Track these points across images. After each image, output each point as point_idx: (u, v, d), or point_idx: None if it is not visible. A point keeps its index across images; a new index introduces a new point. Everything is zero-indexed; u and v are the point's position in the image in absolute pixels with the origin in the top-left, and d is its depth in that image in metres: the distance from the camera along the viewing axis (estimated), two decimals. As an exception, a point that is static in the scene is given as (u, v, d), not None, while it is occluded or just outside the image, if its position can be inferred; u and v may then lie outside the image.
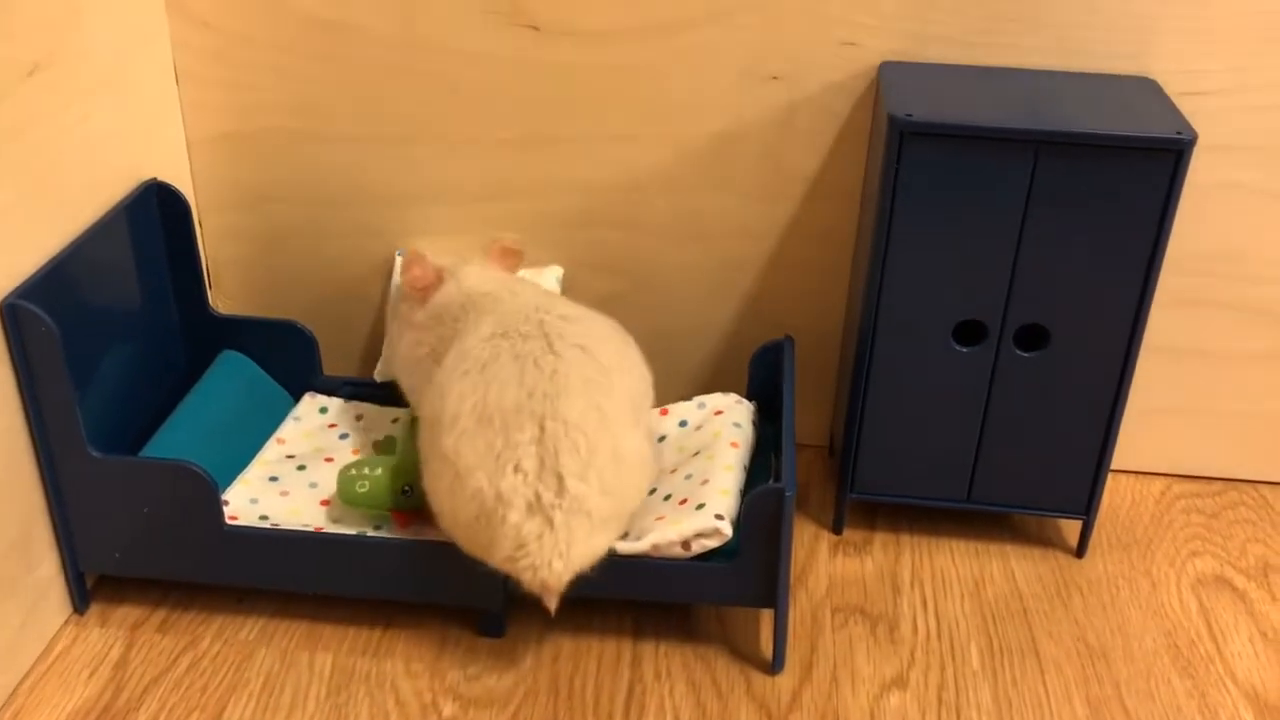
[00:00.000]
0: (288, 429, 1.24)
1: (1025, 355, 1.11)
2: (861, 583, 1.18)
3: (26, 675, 1.05)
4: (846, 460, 1.19)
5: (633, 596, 1.09)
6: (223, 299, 1.36)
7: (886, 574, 1.19)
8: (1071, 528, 1.24)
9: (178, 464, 1.04)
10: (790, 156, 1.22)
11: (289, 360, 1.29)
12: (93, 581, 1.14)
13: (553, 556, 0.97)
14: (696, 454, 1.14)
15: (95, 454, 1.03)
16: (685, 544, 1.03)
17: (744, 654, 1.09)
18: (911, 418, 1.16)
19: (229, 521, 1.07)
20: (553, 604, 1.00)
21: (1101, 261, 1.06)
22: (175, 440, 1.17)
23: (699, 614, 1.13)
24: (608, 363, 1.05)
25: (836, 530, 1.24)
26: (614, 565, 1.04)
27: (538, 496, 0.97)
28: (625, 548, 1.04)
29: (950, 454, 1.17)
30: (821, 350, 1.32)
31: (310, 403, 1.28)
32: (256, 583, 1.10)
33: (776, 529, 0.99)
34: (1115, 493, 1.31)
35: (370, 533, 1.11)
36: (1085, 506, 1.19)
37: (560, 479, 0.97)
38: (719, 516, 1.02)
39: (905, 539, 1.24)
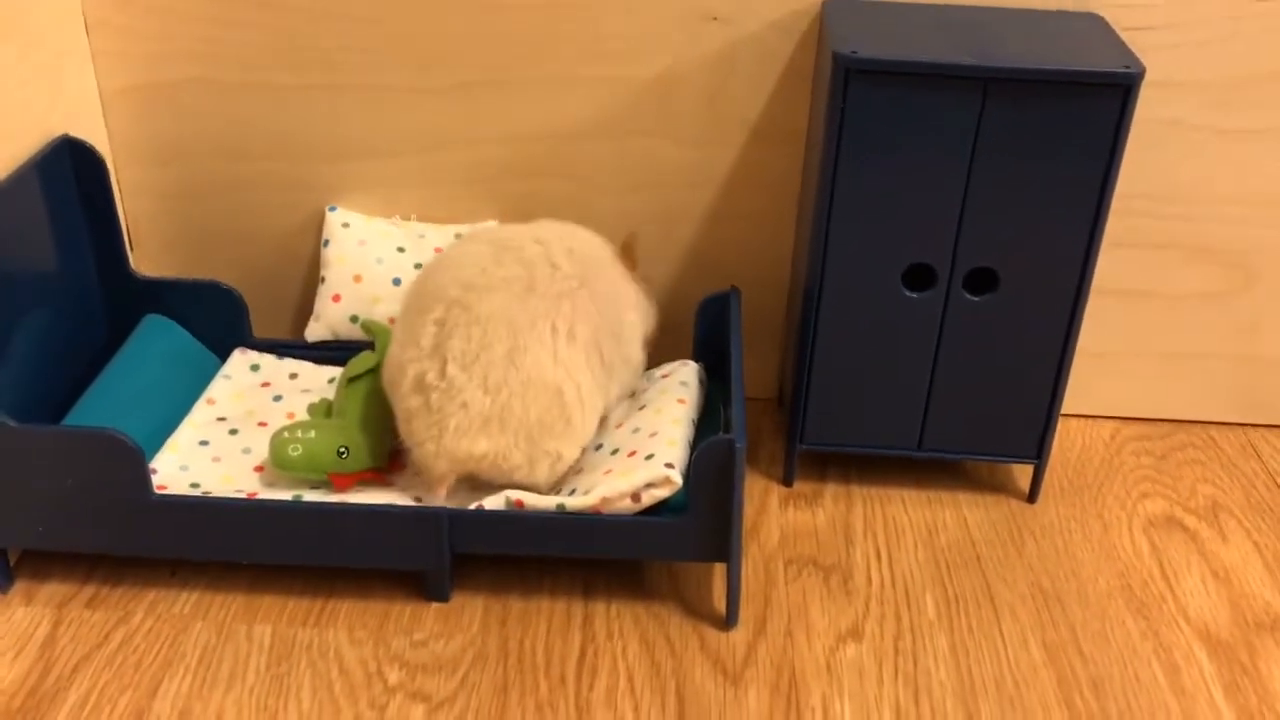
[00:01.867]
0: (218, 388, 1.19)
1: (975, 299, 1.09)
2: (814, 534, 1.16)
3: (-53, 658, 1.00)
4: (796, 411, 1.17)
5: (581, 554, 1.06)
6: (145, 260, 1.30)
7: (839, 525, 1.17)
8: (1023, 473, 1.23)
9: (100, 432, 0.99)
10: (732, 100, 1.19)
11: (217, 323, 1.24)
12: (16, 558, 1.09)
13: (426, 437, 1.02)
14: (642, 408, 1.11)
15: (13, 424, 0.97)
16: (635, 495, 1.00)
17: (697, 610, 1.06)
18: (861, 366, 1.13)
19: (157, 491, 1.03)
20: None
21: (1050, 200, 1.04)
22: (98, 408, 1.12)
23: (650, 571, 1.10)
24: (573, 286, 1.04)
25: (787, 483, 1.22)
26: (561, 522, 1.01)
27: (423, 374, 1.01)
28: (573, 503, 1.01)
29: (900, 402, 1.15)
30: (769, 301, 1.29)
31: (241, 359, 1.23)
32: (188, 554, 1.06)
33: (728, 481, 0.97)
34: (1065, 437, 1.31)
35: (308, 497, 1.06)
36: (1036, 451, 1.17)
37: (444, 362, 1.00)
38: (669, 465, 1.00)
39: (856, 490, 1.22)
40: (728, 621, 1.04)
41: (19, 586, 1.07)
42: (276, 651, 1.02)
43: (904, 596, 1.09)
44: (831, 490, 1.22)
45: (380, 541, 1.03)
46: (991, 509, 1.20)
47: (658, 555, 1.05)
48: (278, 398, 1.19)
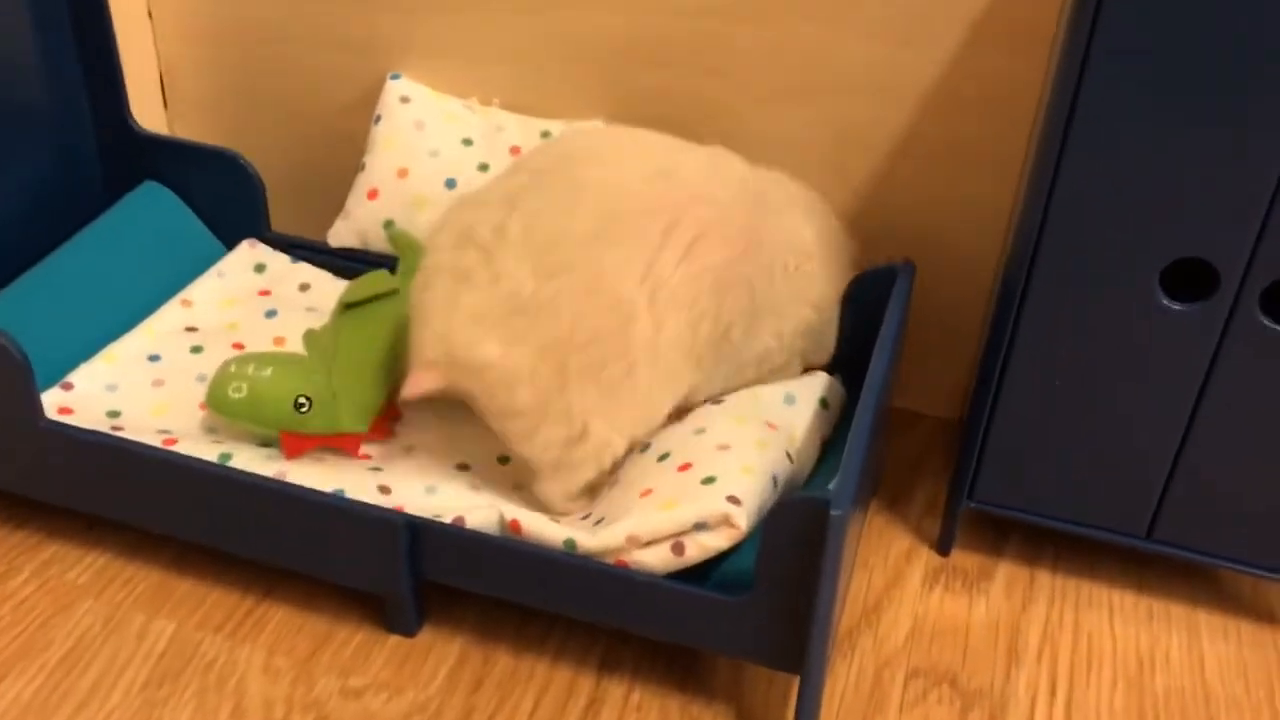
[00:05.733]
0: (203, 287, 0.91)
1: (1277, 327, 0.68)
2: (962, 637, 0.79)
3: None
4: (968, 451, 0.79)
5: (585, 619, 0.73)
6: (178, 119, 1.03)
7: (1003, 630, 0.79)
8: (1309, 600, 0.81)
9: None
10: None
11: (228, 204, 0.96)
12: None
13: (435, 313, 0.71)
14: (720, 403, 0.76)
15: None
16: (677, 544, 0.66)
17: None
18: (1076, 400, 0.74)
19: (54, 415, 0.76)
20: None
21: None
22: (46, 286, 0.87)
23: (700, 652, 0.76)
24: (730, 214, 0.74)
25: (942, 550, 0.85)
26: (564, 570, 0.69)
27: (473, 226, 0.72)
28: (587, 541, 0.68)
29: (1132, 464, 0.76)
30: (971, 280, 0.90)
31: (245, 255, 0.95)
32: (76, 504, 0.79)
33: (813, 560, 0.61)
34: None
35: (238, 458, 0.77)
36: (1339, 574, 0.76)
37: (509, 212, 0.71)
38: (732, 500, 0.65)
39: (1044, 578, 0.83)
40: (789, 762, 0.69)
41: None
42: (166, 664, 0.74)
43: (1080, 766, 0.71)
44: (1005, 574, 0.84)
45: (320, 544, 0.73)
46: (1247, 646, 0.79)
47: (698, 643, 0.70)
48: (271, 313, 0.90)
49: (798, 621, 0.64)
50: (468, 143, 0.92)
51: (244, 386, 0.76)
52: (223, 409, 0.77)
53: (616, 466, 0.74)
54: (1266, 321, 0.69)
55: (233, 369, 0.77)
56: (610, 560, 0.68)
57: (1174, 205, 0.67)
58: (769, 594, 0.65)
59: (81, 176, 0.94)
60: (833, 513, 0.60)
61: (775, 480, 0.71)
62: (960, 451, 0.80)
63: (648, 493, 0.69)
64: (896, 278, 0.80)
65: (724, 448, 0.71)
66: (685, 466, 0.70)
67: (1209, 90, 0.63)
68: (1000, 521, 0.86)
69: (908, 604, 0.81)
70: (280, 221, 0.98)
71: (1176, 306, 0.70)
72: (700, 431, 0.73)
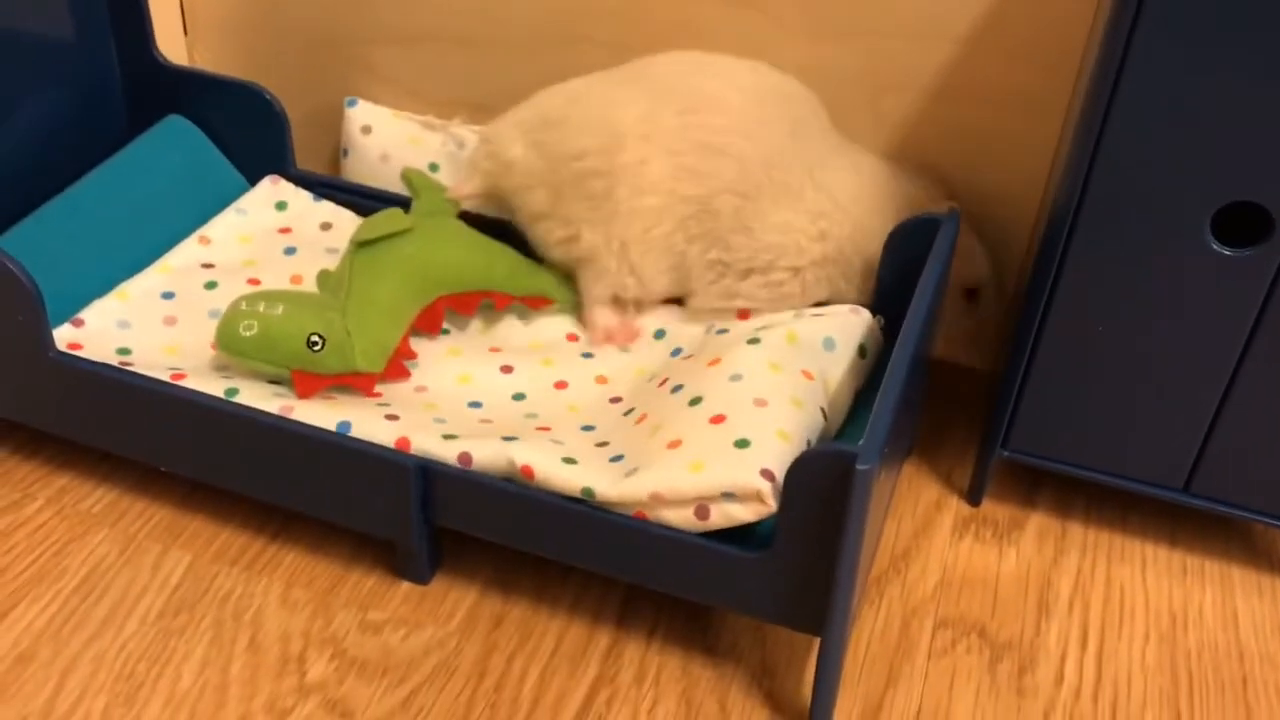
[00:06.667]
0: (222, 224, 0.89)
1: (1332, 277, 0.66)
2: (993, 588, 0.77)
3: None
4: (1004, 400, 0.77)
5: (599, 571, 0.71)
6: (197, 43, 1.01)
7: (1035, 581, 0.78)
8: (1348, 559, 0.80)
9: (-12, 255, 0.71)
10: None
11: (252, 139, 0.94)
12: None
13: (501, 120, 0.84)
14: (755, 342, 0.74)
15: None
16: (702, 508, 0.64)
17: (779, 676, 0.70)
18: (1119, 348, 0.72)
19: (65, 349, 0.74)
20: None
21: None
22: (60, 221, 0.85)
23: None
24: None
25: (973, 500, 0.83)
26: (578, 520, 0.67)
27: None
28: (608, 489, 0.66)
29: (1172, 415, 0.74)
30: (1007, 226, 0.88)
31: (266, 192, 0.92)
32: (84, 438, 0.77)
33: (838, 518, 0.59)
34: None
35: (244, 393, 0.75)
36: (1380, 534, 0.74)
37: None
38: (766, 475, 0.63)
39: (1075, 530, 0.82)
40: (814, 717, 0.67)
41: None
42: (182, 594, 0.73)
43: (1109, 717, 0.69)
44: (1037, 524, 0.82)
45: (329, 486, 0.72)
46: (1282, 604, 0.78)
47: (714, 600, 0.68)
48: (290, 250, 0.88)
49: (819, 581, 0.62)
50: (434, 167, 0.93)
51: (255, 324, 0.74)
52: (233, 348, 0.74)
53: (640, 304, 0.82)
54: (1321, 269, 0.67)
55: (244, 306, 0.75)
56: (630, 513, 0.66)
57: (1227, 148, 0.64)
58: (789, 551, 0.62)
59: (106, 110, 0.92)
60: (859, 467, 0.57)
61: (809, 445, 0.68)
62: (995, 399, 0.78)
63: (676, 444, 0.67)
64: (941, 228, 0.77)
65: (760, 403, 0.68)
66: (718, 419, 0.68)
67: (1265, 28, 0.61)
68: (1032, 472, 0.84)
69: (936, 553, 0.79)
70: (303, 153, 0.96)
71: (1228, 252, 0.67)
72: (736, 379, 0.70)
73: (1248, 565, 0.80)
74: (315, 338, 0.74)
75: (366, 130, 0.94)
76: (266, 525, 0.77)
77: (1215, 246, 0.67)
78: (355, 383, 0.76)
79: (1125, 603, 0.77)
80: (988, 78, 0.83)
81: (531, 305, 0.84)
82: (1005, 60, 0.82)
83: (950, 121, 0.85)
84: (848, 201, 0.80)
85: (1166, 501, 0.77)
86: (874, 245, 0.80)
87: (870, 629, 0.74)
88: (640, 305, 0.84)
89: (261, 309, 0.74)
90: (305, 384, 0.74)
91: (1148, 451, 0.76)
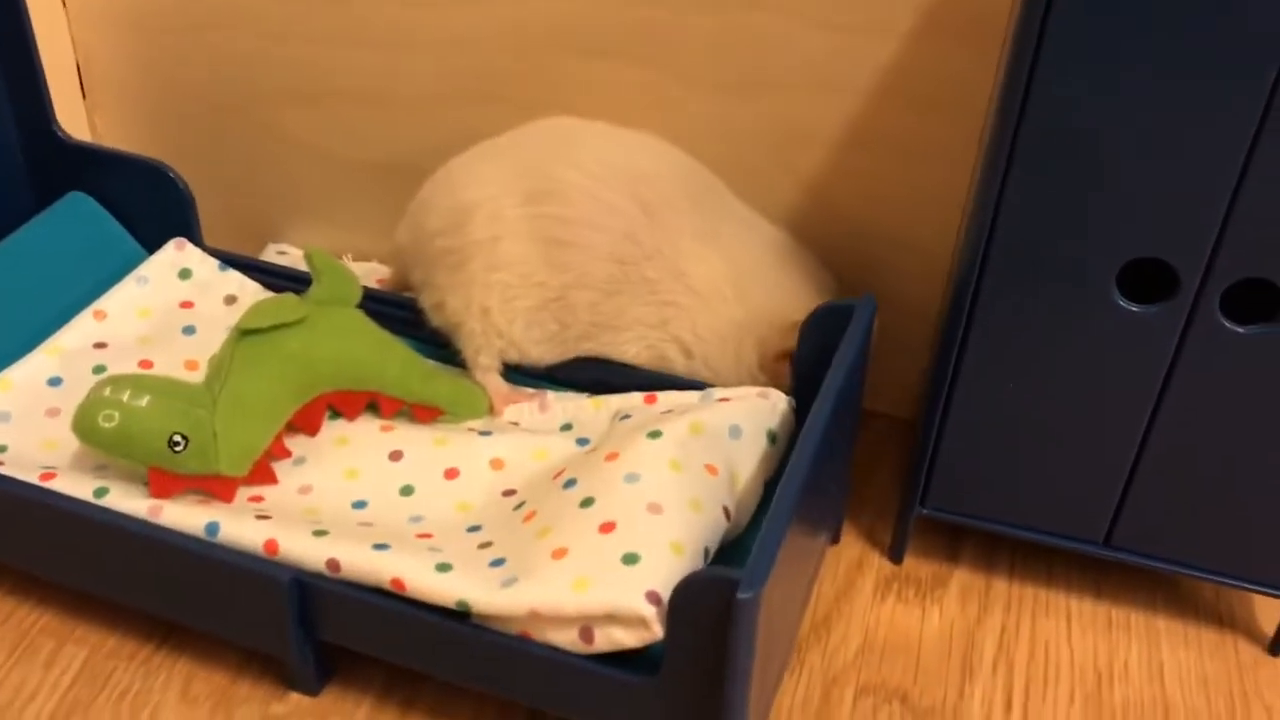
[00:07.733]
0: (120, 295, 0.86)
1: (1238, 330, 0.66)
2: (915, 651, 0.76)
3: None
4: (920, 458, 0.76)
5: (485, 690, 0.68)
6: (97, 109, 0.98)
7: (958, 642, 0.76)
8: (1269, 608, 0.79)
9: None
10: (895, -35, 0.77)
11: (155, 217, 0.91)
12: None
13: None
14: (655, 436, 0.70)
15: None
16: (586, 630, 0.61)
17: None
18: (1032, 403, 0.71)
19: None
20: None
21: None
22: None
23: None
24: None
25: (894, 557, 0.82)
26: (456, 637, 0.64)
27: None
28: (488, 602, 0.62)
29: (1087, 470, 0.73)
30: (922, 280, 0.87)
31: (171, 258, 0.89)
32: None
33: (723, 645, 0.56)
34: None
35: (114, 494, 0.71)
36: (1301, 581, 0.73)
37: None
38: (652, 599, 0.60)
39: (1000, 585, 0.81)
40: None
41: None
42: (77, 692, 0.70)
43: (1035, 786, 0.68)
44: (960, 581, 0.81)
45: (202, 598, 0.69)
46: (1207, 655, 0.77)
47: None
48: (189, 329, 0.85)
49: (712, 709, 0.59)
50: None
51: (116, 415, 0.69)
52: (91, 438, 0.70)
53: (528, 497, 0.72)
54: (1227, 324, 0.66)
55: (107, 392, 0.70)
56: (514, 630, 0.63)
57: (1131, 204, 0.64)
58: (677, 677, 0.60)
59: (7, 188, 0.90)
60: (740, 596, 0.53)
61: (707, 553, 0.65)
62: (912, 457, 0.77)
63: (562, 553, 0.63)
64: (854, 314, 0.73)
65: (655, 509, 0.65)
66: (608, 527, 0.64)
67: (1165, 85, 0.60)
68: (955, 527, 0.83)
69: (858, 616, 0.77)
70: (209, 220, 0.94)
71: (1134, 308, 0.67)
72: (632, 479, 0.66)
73: (1173, 616, 0.79)
74: (178, 438, 0.69)
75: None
76: (156, 629, 0.74)
77: (1122, 303, 0.66)
78: (214, 487, 0.71)
79: (1050, 660, 0.76)
80: (895, 129, 0.82)
81: (420, 415, 0.79)
82: (912, 111, 0.81)
83: (860, 172, 0.84)
84: (709, 292, 0.78)
85: (1089, 555, 0.76)
86: (758, 329, 0.78)
87: (791, 699, 0.72)
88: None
89: (125, 398, 0.69)
90: (161, 484, 0.70)
91: (1066, 506, 0.75)
